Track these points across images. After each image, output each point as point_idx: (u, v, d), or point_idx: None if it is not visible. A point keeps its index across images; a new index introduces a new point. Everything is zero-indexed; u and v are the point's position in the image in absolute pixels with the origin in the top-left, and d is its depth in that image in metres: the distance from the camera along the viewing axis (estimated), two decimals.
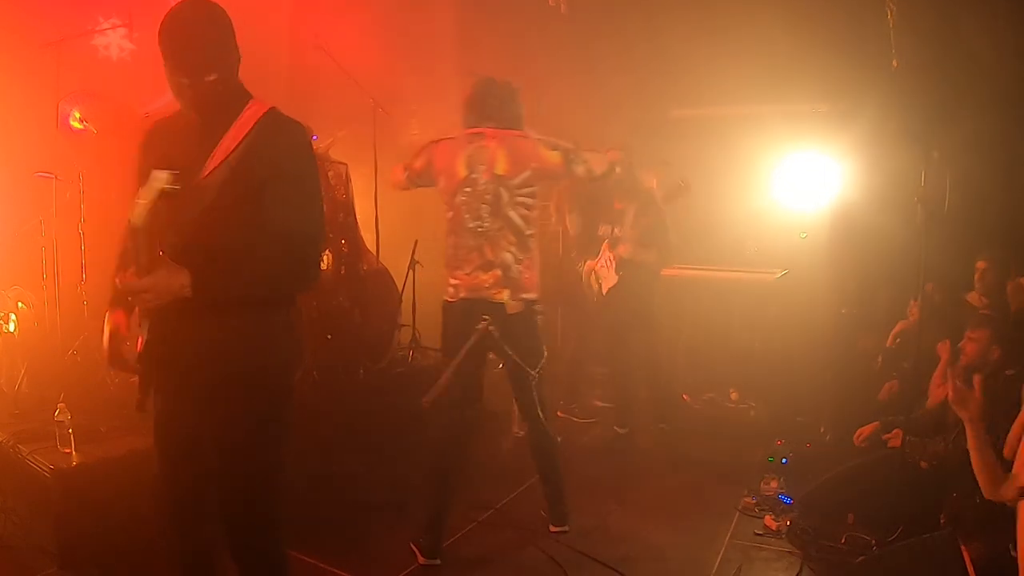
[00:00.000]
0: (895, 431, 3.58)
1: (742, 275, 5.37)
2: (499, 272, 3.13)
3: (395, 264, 5.32)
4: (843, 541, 3.19)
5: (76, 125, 4.52)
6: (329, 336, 4.61)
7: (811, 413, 4.72)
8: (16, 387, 3.87)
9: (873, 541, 3.13)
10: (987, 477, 2.40)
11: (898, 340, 4.64)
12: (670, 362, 5.62)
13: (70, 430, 3.22)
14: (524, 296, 3.18)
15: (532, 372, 3.25)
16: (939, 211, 3.24)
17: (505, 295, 3.14)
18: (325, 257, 4.83)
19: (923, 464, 3.28)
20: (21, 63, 4.55)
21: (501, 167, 3.11)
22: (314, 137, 5.00)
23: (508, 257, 3.13)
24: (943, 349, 3.71)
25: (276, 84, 6.99)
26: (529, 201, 3.16)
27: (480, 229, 3.13)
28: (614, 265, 4.33)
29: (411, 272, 5.28)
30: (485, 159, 3.13)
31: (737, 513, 3.67)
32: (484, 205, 3.12)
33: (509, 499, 3.81)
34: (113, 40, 5.40)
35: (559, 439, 3.64)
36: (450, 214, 3.21)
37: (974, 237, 4.44)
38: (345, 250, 4.83)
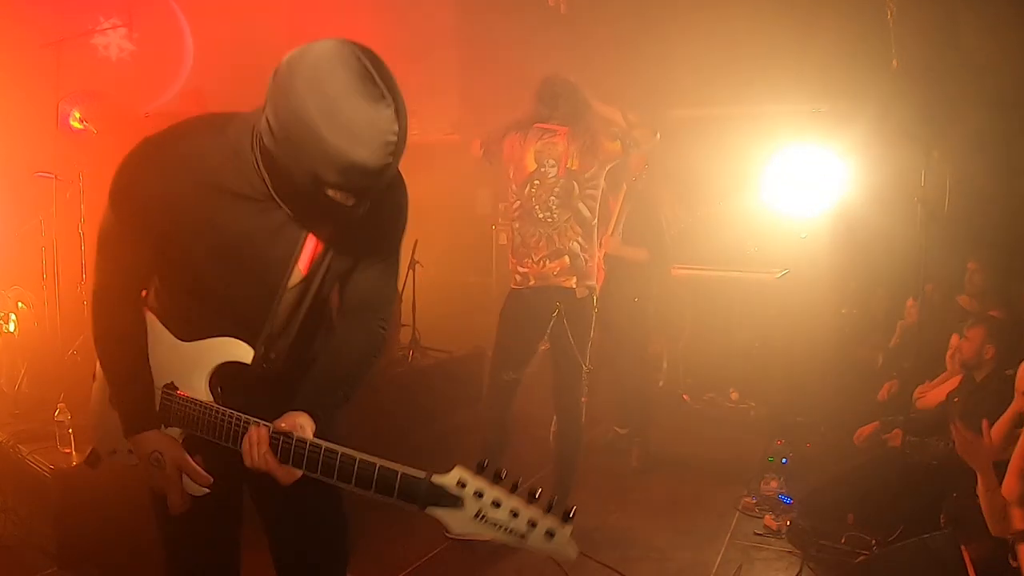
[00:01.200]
0: (895, 431, 3.58)
1: (742, 275, 5.37)
2: (567, 260, 3.27)
3: None
4: (843, 541, 3.18)
5: (76, 125, 4.52)
6: None
7: (811, 413, 4.71)
8: (16, 387, 3.87)
9: (873, 541, 3.13)
10: (995, 519, 2.40)
11: (898, 340, 4.65)
12: (670, 363, 5.62)
13: (70, 430, 3.22)
14: (588, 283, 3.33)
15: (585, 364, 3.39)
16: (939, 211, 3.24)
17: (573, 281, 3.28)
18: None
19: (924, 464, 3.28)
20: (21, 63, 4.56)
21: (574, 163, 3.26)
22: None
23: (575, 246, 3.27)
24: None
25: None
26: (595, 193, 3.32)
27: (549, 220, 3.27)
28: (602, 263, 4.32)
29: (411, 272, 5.28)
30: (556, 154, 3.26)
31: (737, 513, 3.67)
32: (553, 197, 3.26)
33: None
34: (113, 40, 5.41)
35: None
36: (517, 203, 3.35)
37: (974, 237, 4.45)
38: None
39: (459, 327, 6.58)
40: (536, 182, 3.28)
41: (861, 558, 2.99)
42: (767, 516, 3.52)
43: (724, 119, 5.81)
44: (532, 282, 3.30)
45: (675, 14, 5.81)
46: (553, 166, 3.26)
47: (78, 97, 4.61)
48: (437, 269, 5.63)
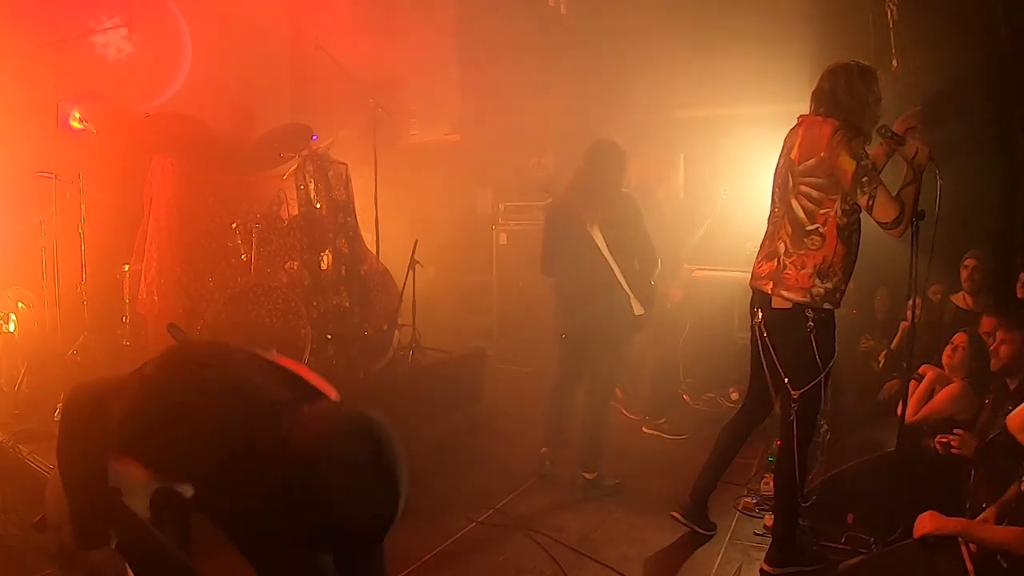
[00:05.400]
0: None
1: (742, 275, 5.35)
2: (774, 263, 2.94)
3: (395, 264, 5.32)
4: (843, 541, 3.18)
5: (76, 125, 4.53)
6: (329, 336, 4.61)
7: None
8: (16, 387, 3.88)
9: (873, 541, 3.13)
10: None
11: (900, 341, 4.65)
12: (671, 363, 5.62)
13: None
14: (785, 294, 2.88)
15: (792, 390, 2.90)
16: (939, 211, 3.24)
17: (770, 287, 2.93)
18: (325, 257, 4.84)
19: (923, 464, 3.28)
20: (21, 63, 4.56)
21: (795, 151, 2.92)
22: (314, 137, 5.00)
23: (780, 248, 2.93)
24: (926, 369, 3.73)
25: (276, 84, 7.00)
26: (813, 193, 2.84)
27: (772, 215, 3.03)
28: None
29: (411, 272, 5.28)
30: (789, 143, 2.98)
31: (737, 513, 3.67)
32: (777, 190, 3.00)
33: (509, 499, 3.81)
34: (112, 40, 5.41)
35: None
36: None
37: (973, 237, 4.45)
38: (345, 250, 4.83)
39: (459, 327, 6.58)
40: (774, 175, 3.00)
41: (860, 558, 2.99)
42: (767, 516, 3.52)
43: (725, 119, 5.81)
44: (750, 282, 3.06)
45: (677, 14, 5.81)
46: (783, 156, 2.98)
47: (78, 97, 4.62)
48: (437, 269, 5.63)
